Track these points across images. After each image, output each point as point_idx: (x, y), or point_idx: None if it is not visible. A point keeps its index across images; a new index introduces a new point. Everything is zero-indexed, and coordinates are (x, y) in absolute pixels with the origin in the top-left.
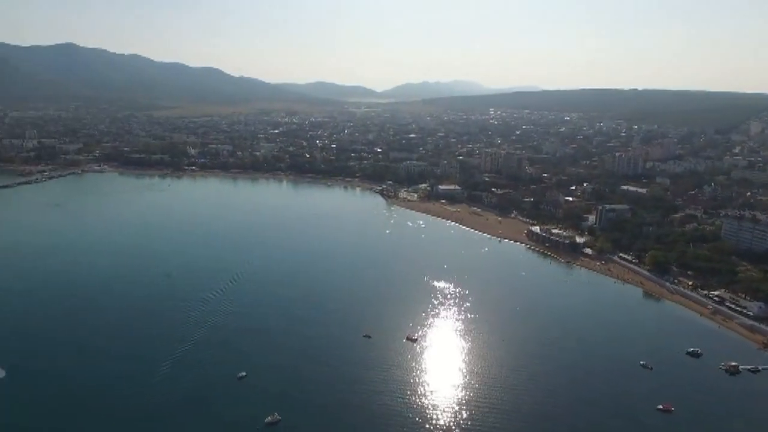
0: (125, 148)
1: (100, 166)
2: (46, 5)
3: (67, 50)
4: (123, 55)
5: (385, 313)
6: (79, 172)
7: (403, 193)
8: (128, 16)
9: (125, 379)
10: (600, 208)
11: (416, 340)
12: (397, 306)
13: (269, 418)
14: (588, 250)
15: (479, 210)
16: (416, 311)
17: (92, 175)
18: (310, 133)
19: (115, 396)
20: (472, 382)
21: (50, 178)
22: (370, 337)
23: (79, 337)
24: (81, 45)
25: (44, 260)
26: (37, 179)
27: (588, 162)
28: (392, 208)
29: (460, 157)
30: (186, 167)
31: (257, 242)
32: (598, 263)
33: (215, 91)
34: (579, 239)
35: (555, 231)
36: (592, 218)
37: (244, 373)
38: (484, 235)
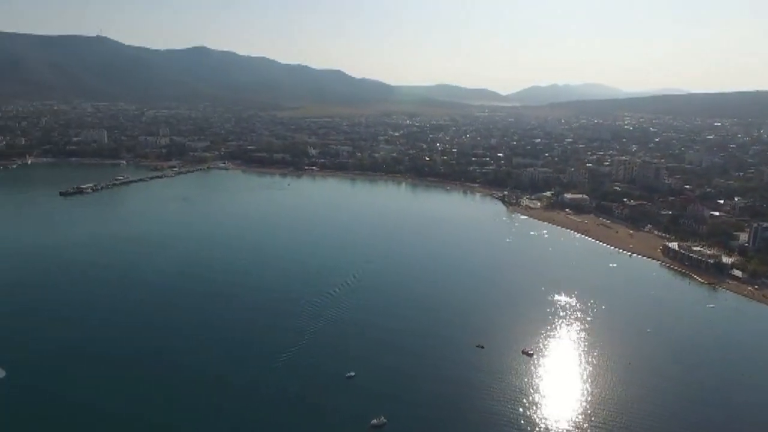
0: (249, 147)
1: (224, 163)
2: (181, 11)
3: (200, 53)
4: (250, 57)
5: (500, 324)
6: (206, 168)
7: (525, 201)
8: (257, 20)
9: (240, 369)
10: (755, 225)
11: (532, 354)
12: (513, 317)
13: (375, 421)
14: (737, 272)
15: (608, 222)
16: (533, 325)
17: (217, 172)
18: (431, 136)
19: (228, 386)
20: (592, 405)
21: (179, 173)
22: (483, 347)
23: (195, 325)
24: (212, 48)
25: (170, 250)
26: (167, 174)
27: (742, 174)
28: (513, 215)
29: (589, 165)
30: (306, 167)
31: (375, 243)
32: (749, 288)
33: (337, 92)
34: (726, 259)
35: (697, 248)
36: (743, 237)
37: (352, 373)
38: (613, 248)
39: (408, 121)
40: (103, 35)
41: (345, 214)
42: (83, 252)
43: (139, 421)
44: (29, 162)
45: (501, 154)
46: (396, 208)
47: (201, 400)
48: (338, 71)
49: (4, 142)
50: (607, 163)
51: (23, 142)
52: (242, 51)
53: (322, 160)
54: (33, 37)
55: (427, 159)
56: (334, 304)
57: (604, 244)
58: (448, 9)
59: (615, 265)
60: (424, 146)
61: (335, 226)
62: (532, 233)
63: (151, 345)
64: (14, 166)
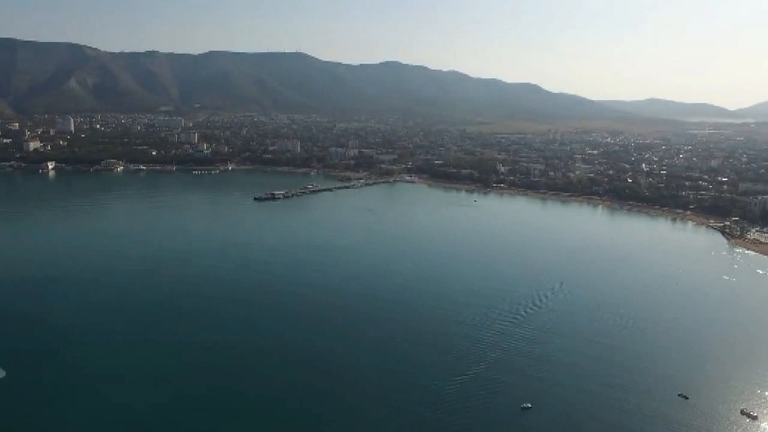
0: (436, 161)
1: (411, 177)
2: (376, 28)
3: (392, 68)
4: (442, 71)
5: (709, 373)
6: (392, 181)
7: (753, 234)
8: (448, 35)
9: (414, 394)
10: None
11: (756, 417)
12: (727, 368)
13: None
14: None
15: None
16: (757, 381)
17: (403, 185)
18: (636, 155)
19: (399, 407)
20: None
21: (366, 184)
22: (687, 397)
23: (364, 335)
24: (404, 63)
25: (350, 257)
26: (354, 185)
27: None
28: (736, 250)
29: None
30: (494, 184)
31: (566, 266)
32: None
33: (531, 107)
34: None
35: None
36: None
37: (529, 405)
38: None
39: (609, 139)
40: (302, 52)
41: (532, 234)
42: (269, 253)
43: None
44: (230, 168)
45: (724, 178)
46: (589, 231)
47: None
48: (533, 85)
49: (209, 150)
50: None
51: (226, 150)
52: (433, 65)
53: (511, 178)
54: (241, 55)
55: (630, 181)
56: (518, 326)
57: None
58: (667, 13)
59: None
60: (627, 167)
61: (520, 245)
62: (759, 272)
63: (321, 346)
64: (217, 172)
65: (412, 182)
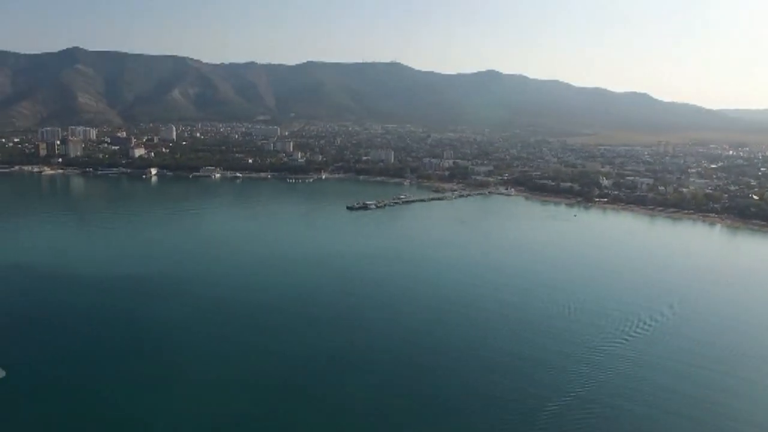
0: (534, 173)
1: (507, 189)
2: (473, 38)
3: (489, 77)
4: (542, 80)
5: None
6: (487, 193)
7: None
8: (547, 44)
9: (515, 411)
10: None
11: None
12: None
13: None
14: None
15: None
16: None
17: (498, 197)
18: (763, 169)
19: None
20: None
21: (460, 196)
22: None
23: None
24: (502, 72)
25: (441, 269)
26: (447, 196)
27: None
28: None
29: None
30: (596, 198)
31: (678, 289)
32: None
33: (640, 118)
34: None
35: None
36: None
37: None
38: None
39: (731, 152)
40: (397, 62)
41: (639, 252)
42: (365, 264)
43: None
44: (323, 177)
45: None
46: (707, 252)
47: None
48: (642, 94)
49: (304, 158)
50: None
51: (320, 159)
52: (533, 74)
53: (616, 192)
54: (336, 65)
55: (756, 198)
56: (624, 353)
57: None
58: None
59: None
60: (752, 182)
61: (627, 263)
62: None
63: (427, 361)
64: (311, 180)
65: (508, 194)
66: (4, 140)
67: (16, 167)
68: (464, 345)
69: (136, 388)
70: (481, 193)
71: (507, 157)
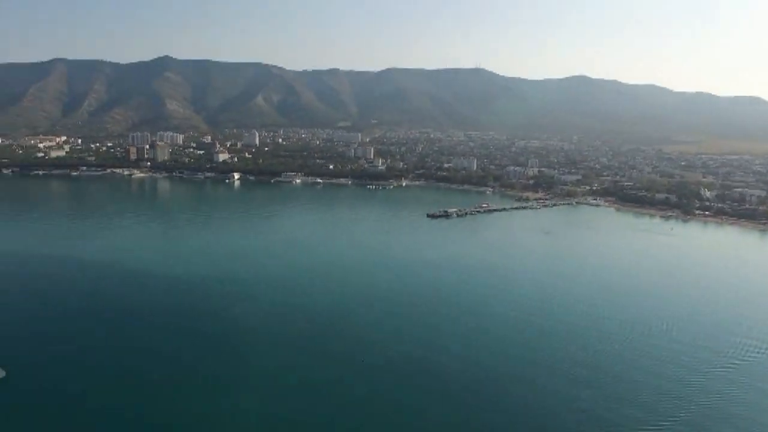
0: (626, 183)
1: (596, 199)
2: (561, 42)
3: (579, 82)
4: (636, 85)
5: None
6: (573, 203)
7: None
8: (644, 46)
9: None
10: None
11: None
12: None
13: None
14: None
15: None
16: None
17: (586, 208)
18: None
19: None
20: None
21: (544, 206)
22: None
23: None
24: (593, 77)
25: (519, 282)
26: (532, 206)
27: None
28: None
29: None
30: (696, 210)
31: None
32: None
33: (751, 124)
34: None
35: None
36: None
37: None
38: None
39: None
40: (481, 67)
41: (743, 271)
42: (447, 272)
43: None
44: (404, 184)
45: None
46: None
47: None
48: (754, 97)
49: (384, 165)
50: None
51: (401, 166)
52: (627, 79)
53: (720, 205)
54: (418, 71)
55: None
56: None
57: None
58: None
59: None
60: None
61: (735, 282)
62: None
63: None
64: (391, 187)
65: (597, 205)
66: (98, 144)
67: (108, 170)
68: (556, 361)
69: (207, 388)
70: (568, 203)
71: (596, 165)
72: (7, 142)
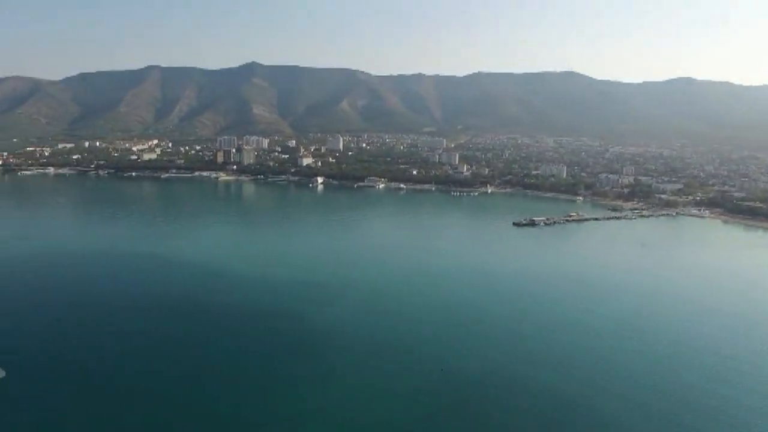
0: (735, 194)
1: (699, 210)
2: (662, 41)
3: (683, 84)
4: (751, 86)
5: None
6: (674, 214)
7: None
8: (756, 43)
9: None
10: None
11: None
12: None
13: None
14: None
15: None
16: None
17: (688, 219)
18: None
19: None
20: None
21: (640, 216)
22: None
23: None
24: (700, 78)
25: (612, 297)
26: (626, 216)
27: None
28: None
29: None
30: None
31: None
32: None
33: None
34: None
35: None
36: None
37: None
38: None
39: None
40: (573, 70)
41: None
42: (531, 283)
43: None
44: (489, 191)
45: None
46: None
47: None
48: None
49: (469, 171)
50: None
51: (486, 172)
52: (741, 80)
53: None
54: (506, 75)
55: None
56: None
57: None
58: None
59: None
60: None
61: None
62: None
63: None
64: (475, 194)
65: (701, 217)
66: (187, 148)
67: (196, 173)
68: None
69: (288, 391)
70: (667, 214)
71: (701, 174)
72: (103, 145)
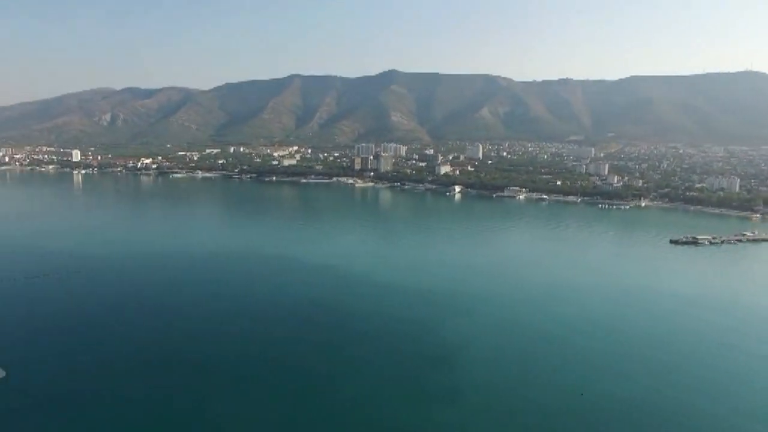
0: None
1: None
2: None
3: None
4: None
5: None
6: None
7: None
8: None
9: None
10: None
11: None
12: None
13: None
14: None
15: None
16: None
17: None
18: None
19: None
20: None
21: None
22: None
23: None
24: None
25: None
26: None
27: None
28: None
29: None
30: None
31: None
32: None
33: None
34: None
35: None
36: None
37: None
38: None
39: None
40: (752, 69)
41: None
42: (682, 308)
43: None
44: (642, 204)
45: None
46: None
47: None
48: None
49: (620, 183)
50: None
51: (640, 184)
52: None
53: None
54: (667, 78)
55: None
56: None
57: None
58: None
59: None
60: None
61: None
62: None
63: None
64: (626, 207)
65: None
66: (326, 154)
67: (334, 179)
68: None
69: (417, 401)
70: None
71: None
72: (247, 151)
